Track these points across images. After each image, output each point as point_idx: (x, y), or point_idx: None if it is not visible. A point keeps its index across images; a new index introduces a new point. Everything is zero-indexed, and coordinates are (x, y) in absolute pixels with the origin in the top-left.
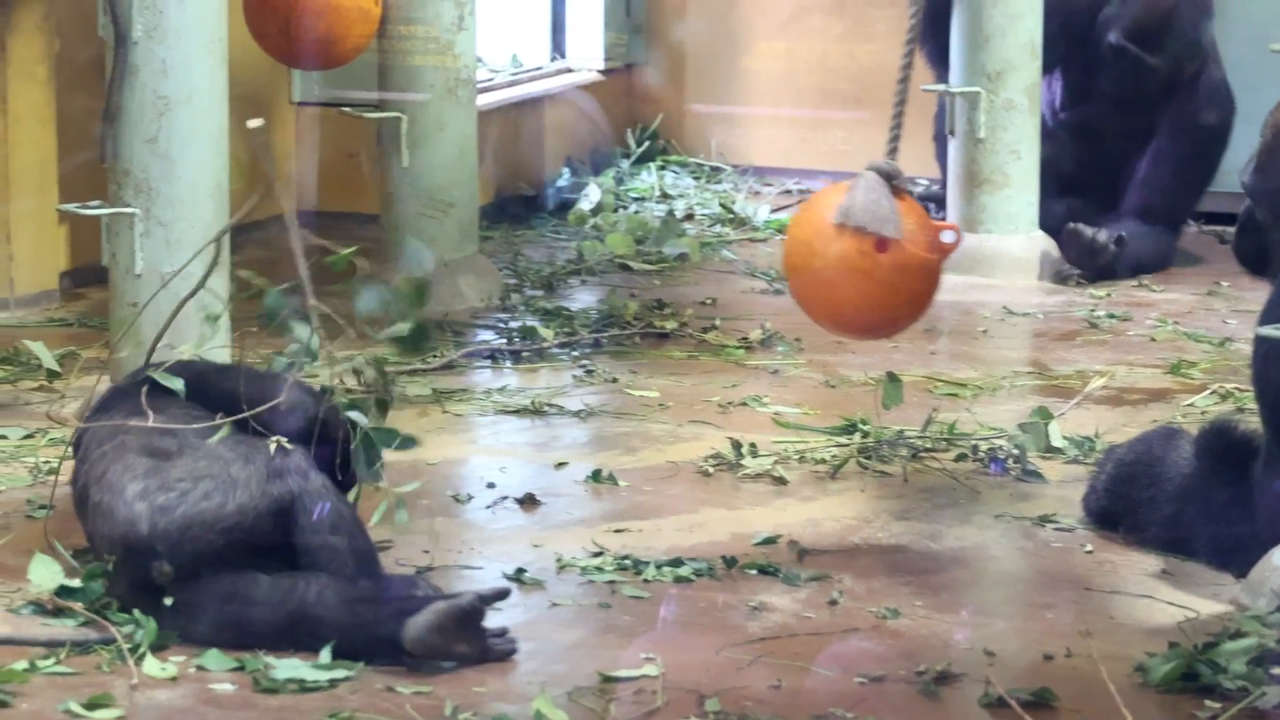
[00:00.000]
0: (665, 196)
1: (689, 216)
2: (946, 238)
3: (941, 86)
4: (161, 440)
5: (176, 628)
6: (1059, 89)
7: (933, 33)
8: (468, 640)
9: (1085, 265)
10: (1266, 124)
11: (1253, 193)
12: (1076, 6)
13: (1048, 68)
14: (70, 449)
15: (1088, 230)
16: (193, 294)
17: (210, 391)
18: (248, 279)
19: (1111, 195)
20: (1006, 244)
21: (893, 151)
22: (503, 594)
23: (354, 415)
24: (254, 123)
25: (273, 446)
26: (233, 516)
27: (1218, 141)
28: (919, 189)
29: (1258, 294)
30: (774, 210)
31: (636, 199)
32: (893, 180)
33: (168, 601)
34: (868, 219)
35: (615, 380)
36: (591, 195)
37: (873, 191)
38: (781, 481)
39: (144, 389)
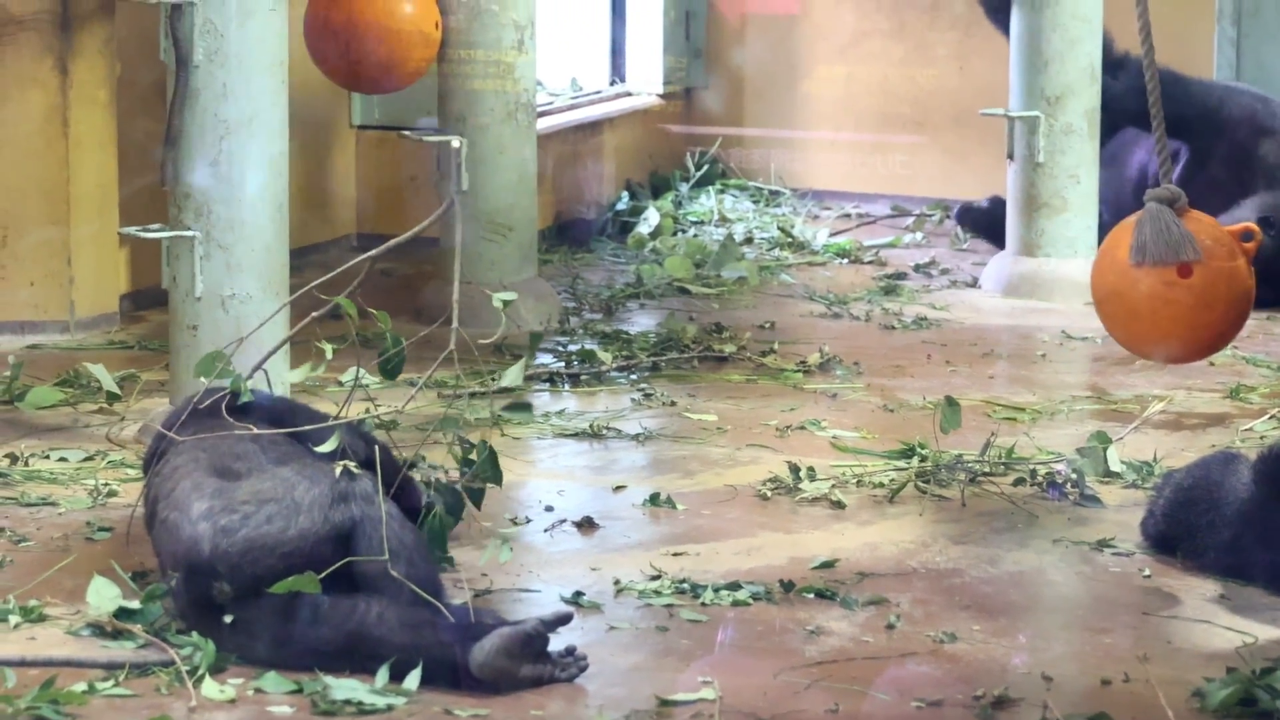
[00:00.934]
0: (724, 220)
1: (748, 240)
2: (1245, 239)
3: (1000, 111)
4: (232, 461)
5: (236, 647)
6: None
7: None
8: (532, 664)
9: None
10: None
11: None
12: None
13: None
14: (142, 464)
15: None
16: (321, 314)
17: (274, 425)
18: (346, 309)
19: None
20: (1065, 268)
21: (1166, 174)
22: (565, 619)
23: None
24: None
25: (339, 470)
26: (293, 541)
27: None
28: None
29: None
30: (833, 234)
31: (695, 222)
32: (1174, 204)
33: (228, 619)
34: (1163, 250)
35: (673, 404)
36: (650, 219)
37: (1158, 221)
38: (839, 505)
39: (221, 406)
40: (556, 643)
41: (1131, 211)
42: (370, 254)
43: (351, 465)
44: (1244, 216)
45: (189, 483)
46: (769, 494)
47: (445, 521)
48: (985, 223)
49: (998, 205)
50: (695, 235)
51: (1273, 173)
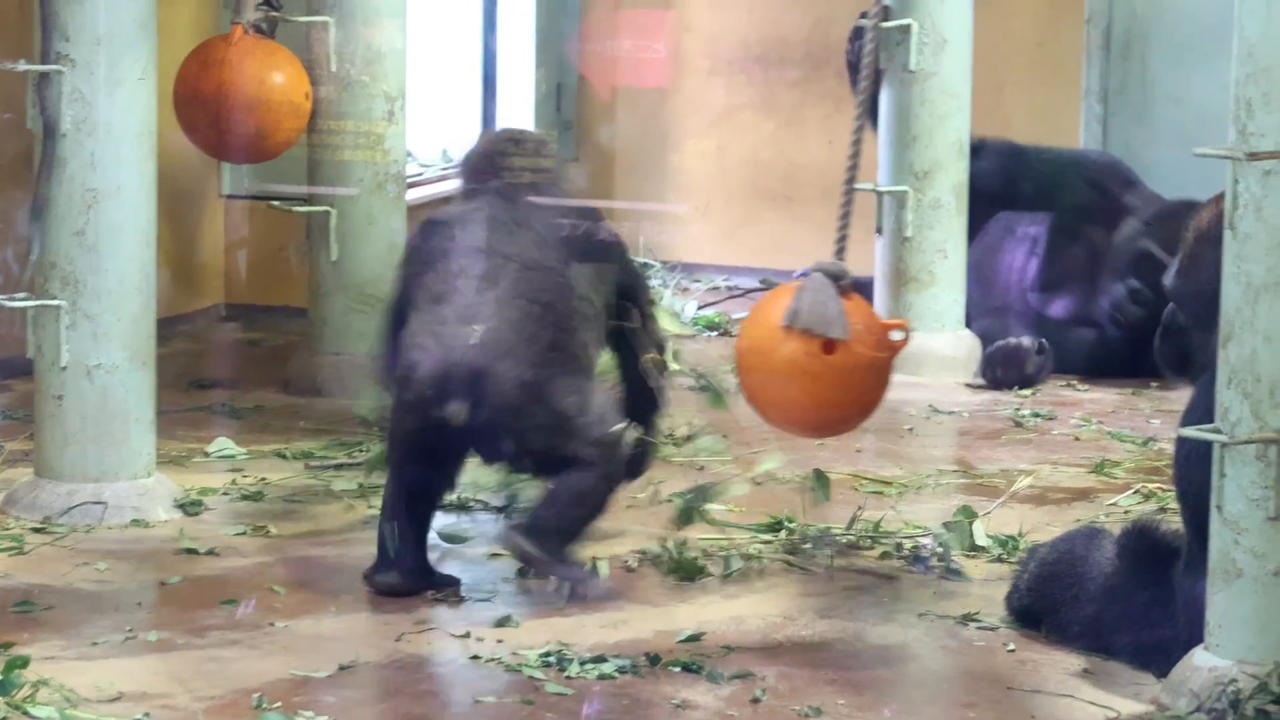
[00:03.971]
0: None
1: None
2: (895, 336)
3: (869, 185)
4: None
5: None
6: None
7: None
8: None
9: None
10: (1189, 228)
11: (1175, 295)
12: None
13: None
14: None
15: (1013, 340)
16: None
17: None
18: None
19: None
20: (933, 342)
21: (839, 251)
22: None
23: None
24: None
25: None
26: None
27: None
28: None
29: (1182, 394)
30: (702, 307)
31: None
32: (839, 281)
33: None
34: (814, 321)
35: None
36: None
37: (819, 293)
38: (706, 577)
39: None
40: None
41: (1002, 299)
42: None
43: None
44: (1116, 290)
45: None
46: (636, 566)
47: None
48: None
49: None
50: None
51: (1136, 224)
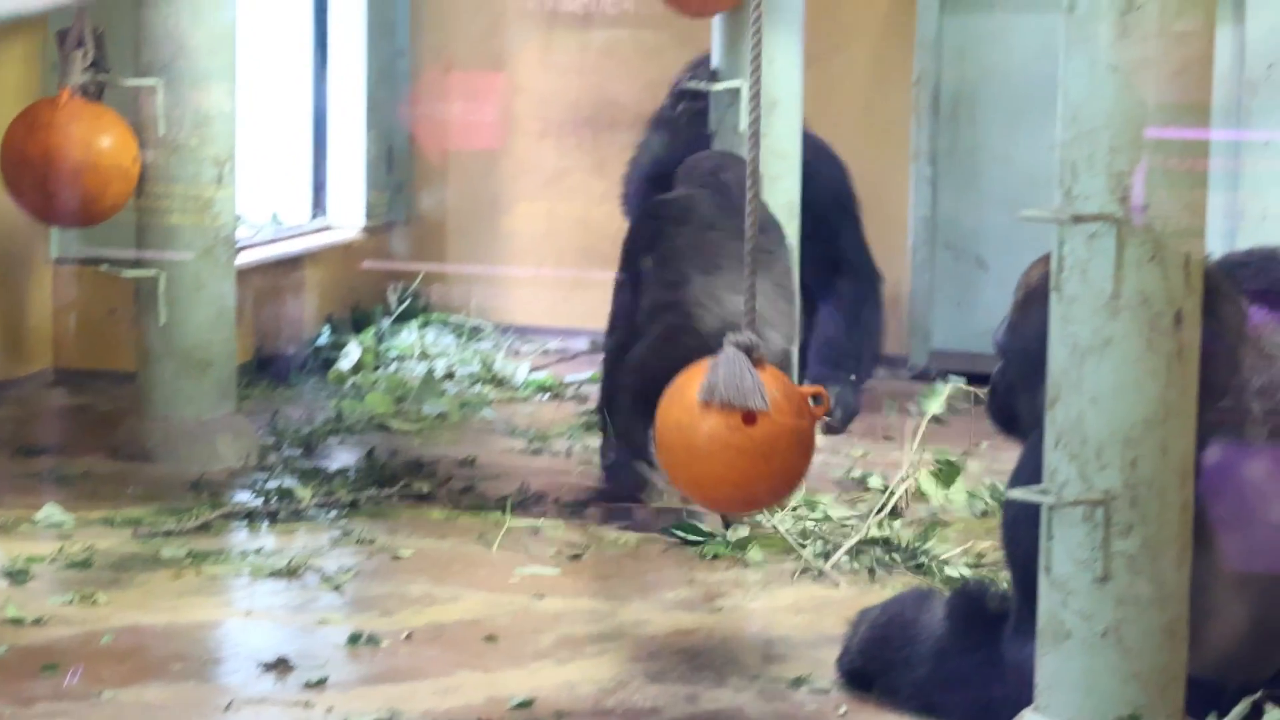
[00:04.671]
0: (425, 355)
1: (449, 376)
2: (814, 402)
3: None
4: None
5: None
6: None
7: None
8: None
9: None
10: (1019, 285)
11: (1004, 352)
12: None
13: None
14: None
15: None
16: None
17: None
18: None
19: None
20: None
21: (750, 323)
22: None
23: None
24: None
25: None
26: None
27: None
28: None
29: (1012, 454)
30: (534, 369)
31: (397, 358)
32: (753, 352)
33: None
34: (732, 394)
35: (373, 541)
36: (351, 354)
37: (734, 365)
38: (538, 643)
39: None
40: None
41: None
42: None
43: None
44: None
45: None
46: (468, 632)
47: None
48: None
49: None
50: (396, 371)
51: None
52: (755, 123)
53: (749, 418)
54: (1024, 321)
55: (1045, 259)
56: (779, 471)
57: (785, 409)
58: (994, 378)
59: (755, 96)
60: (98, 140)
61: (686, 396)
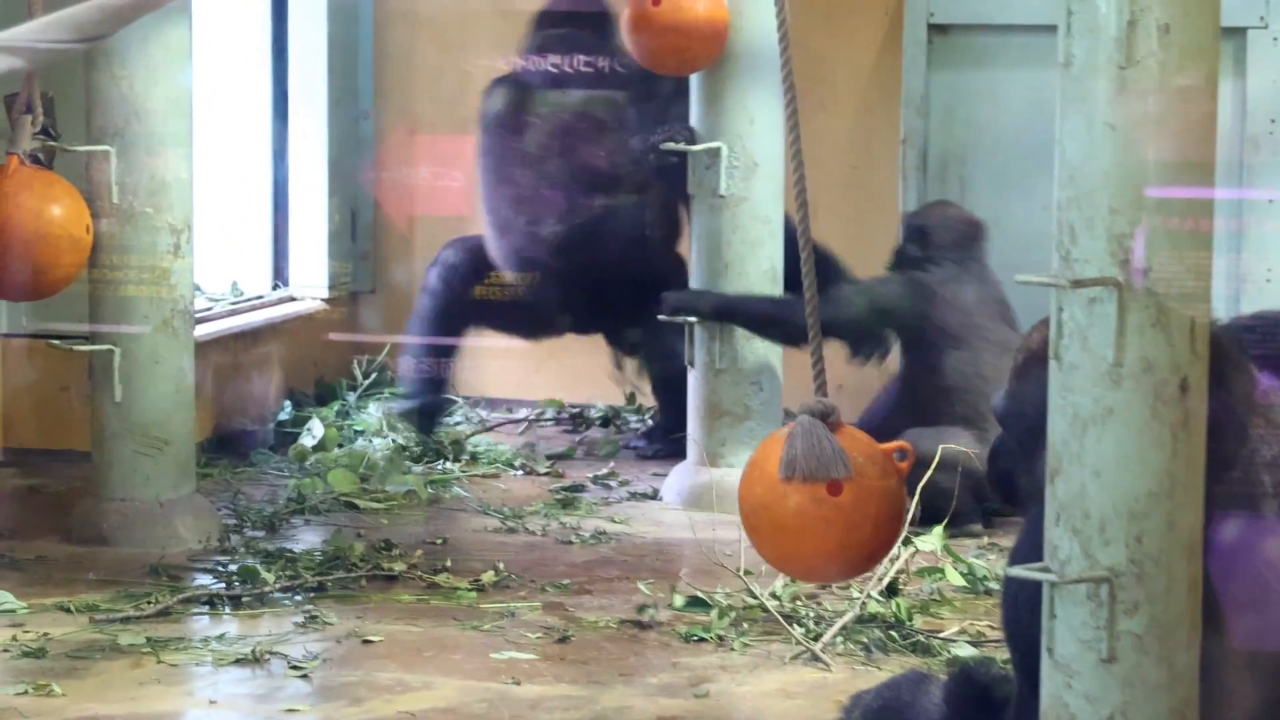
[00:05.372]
0: (393, 430)
1: (417, 451)
2: (898, 458)
3: (681, 318)
4: None
5: None
6: None
7: None
8: None
9: None
10: (1019, 349)
11: (1002, 418)
12: None
13: None
14: None
15: None
16: None
17: None
18: None
19: None
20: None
21: (820, 387)
22: None
23: None
24: None
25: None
26: None
27: None
28: None
29: (1010, 531)
30: (505, 444)
31: (362, 433)
32: (828, 418)
33: None
34: (814, 466)
35: (340, 626)
36: (315, 430)
37: (811, 435)
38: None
39: None
40: None
41: None
42: None
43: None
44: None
45: None
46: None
47: None
48: None
49: None
50: (362, 447)
51: None
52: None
53: (834, 487)
54: (1023, 387)
55: (1045, 323)
56: (873, 537)
57: (869, 471)
58: (993, 446)
59: (794, 143)
60: (48, 209)
61: (767, 474)
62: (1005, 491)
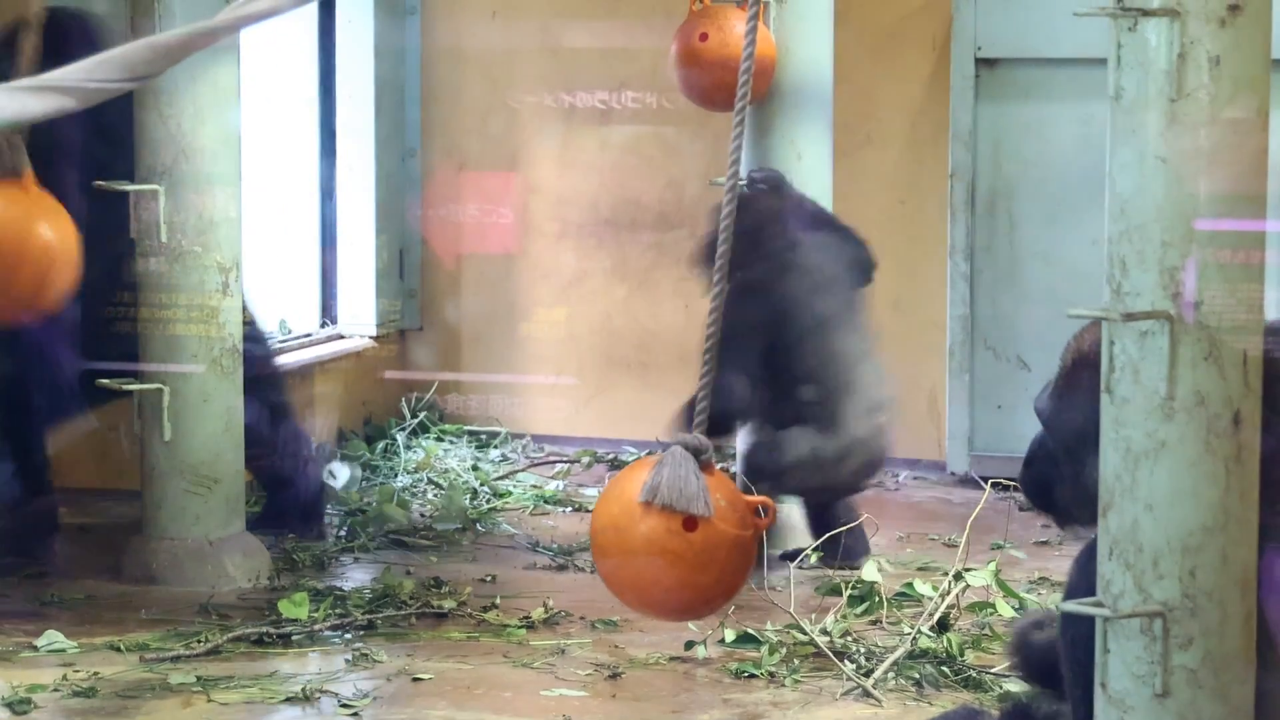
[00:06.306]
0: (441, 468)
1: (467, 489)
2: (759, 513)
3: None
4: None
5: None
6: None
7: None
8: None
9: None
10: (1068, 349)
11: (1047, 420)
12: None
13: None
14: None
15: None
16: None
17: None
18: None
19: None
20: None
21: (700, 424)
22: None
23: None
24: None
25: None
26: None
27: None
28: None
29: (1062, 559)
30: (554, 481)
31: (412, 471)
32: (700, 455)
33: None
34: (675, 496)
35: (390, 663)
36: (338, 473)
37: (680, 467)
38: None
39: None
40: None
41: None
42: None
43: None
44: None
45: None
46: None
47: None
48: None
49: None
50: (411, 485)
51: None
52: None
53: (690, 523)
54: (1071, 389)
55: (1097, 325)
56: (715, 582)
57: (729, 517)
58: (1031, 447)
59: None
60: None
61: (625, 495)
62: (1039, 495)
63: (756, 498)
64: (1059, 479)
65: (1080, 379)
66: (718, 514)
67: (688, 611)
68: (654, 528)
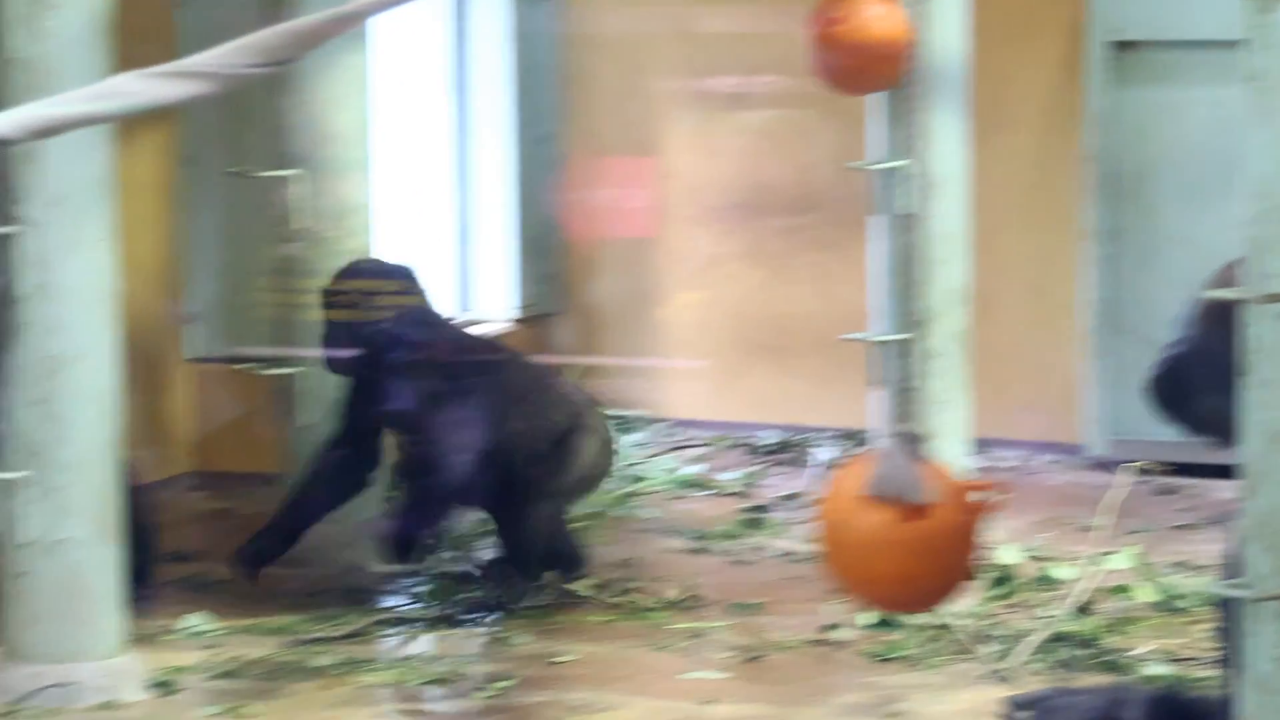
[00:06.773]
0: None
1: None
2: (978, 497)
3: (862, 335)
4: None
5: None
6: None
7: None
8: None
9: None
10: (1210, 280)
11: (1188, 330)
12: None
13: None
14: None
15: None
16: None
17: None
18: None
19: None
20: None
21: (912, 415)
22: None
23: None
24: None
25: None
26: None
27: None
28: None
29: (1190, 545)
30: (691, 465)
31: None
32: (915, 445)
33: None
34: (895, 489)
35: (529, 647)
36: None
37: (896, 459)
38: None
39: None
40: None
41: None
42: None
43: None
44: None
45: None
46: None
47: None
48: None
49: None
50: None
51: None
52: None
53: (911, 513)
54: (1217, 320)
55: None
56: (942, 571)
57: (948, 505)
58: (1165, 352)
59: None
60: None
61: (848, 491)
62: (1168, 399)
63: (977, 482)
64: (1191, 391)
65: (1226, 315)
66: (937, 502)
67: (917, 602)
68: (880, 521)
